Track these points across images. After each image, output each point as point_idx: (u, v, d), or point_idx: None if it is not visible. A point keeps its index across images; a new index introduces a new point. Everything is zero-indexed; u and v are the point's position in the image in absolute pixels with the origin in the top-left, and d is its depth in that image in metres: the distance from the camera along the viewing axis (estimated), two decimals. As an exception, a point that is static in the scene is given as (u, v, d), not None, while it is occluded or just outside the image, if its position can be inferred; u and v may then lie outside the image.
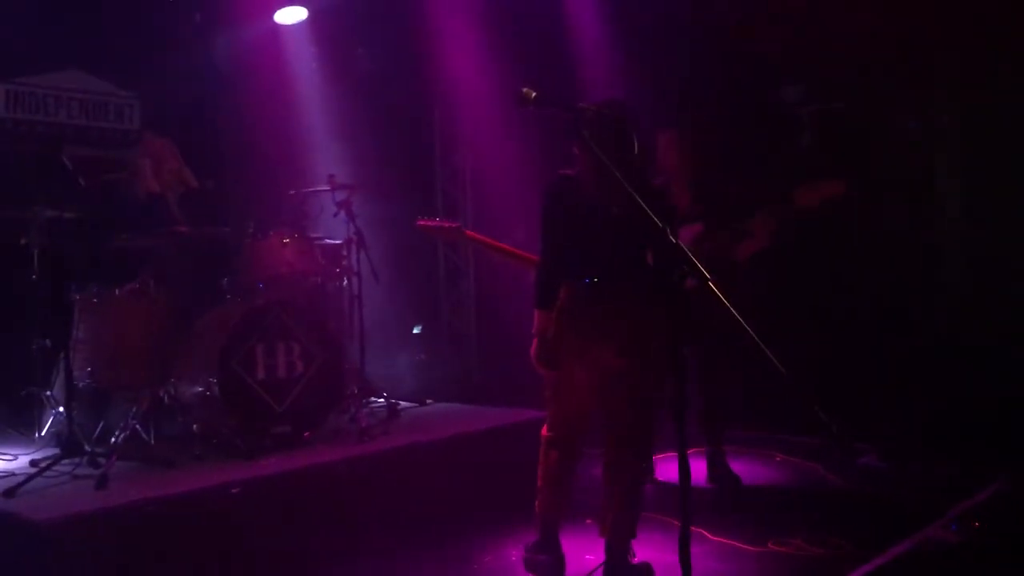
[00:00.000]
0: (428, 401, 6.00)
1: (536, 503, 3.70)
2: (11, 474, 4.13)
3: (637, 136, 2.75)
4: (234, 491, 3.87)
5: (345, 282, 5.84)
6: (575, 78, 6.37)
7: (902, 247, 5.52)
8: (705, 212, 4.64)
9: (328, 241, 5.70)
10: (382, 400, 5.71)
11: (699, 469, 5.18)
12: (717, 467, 4.93)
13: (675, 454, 5.25)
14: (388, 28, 7.29)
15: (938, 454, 5.12)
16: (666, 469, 5.14)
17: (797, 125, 6.27)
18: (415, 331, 7.83)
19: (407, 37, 7.24)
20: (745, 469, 5.25)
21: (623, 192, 2.36)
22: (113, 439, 4.39)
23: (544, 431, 3.69)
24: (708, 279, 2.21)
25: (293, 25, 6.97)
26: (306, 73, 7.15)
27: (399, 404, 5.66)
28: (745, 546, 3.92)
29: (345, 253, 5.78)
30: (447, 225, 4.49)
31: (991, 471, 4.70)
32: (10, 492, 3.78)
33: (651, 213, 2.28)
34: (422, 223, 4.51)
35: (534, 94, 2.51)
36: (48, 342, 4.86)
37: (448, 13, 6.89)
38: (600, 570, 3.50)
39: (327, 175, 5.72)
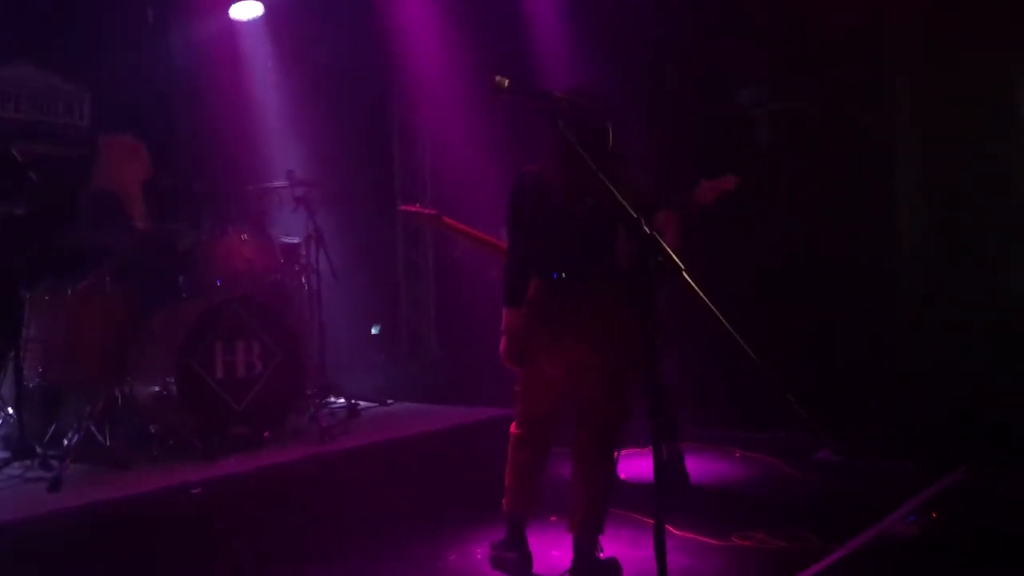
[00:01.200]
0: (389, 401, 5.96)
1: (504, 500, 3.68)
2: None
3: (612, 125, 2.74)
4: (195, 491, 3.80)
5: (303, 280, 5.77)
6: (536, 74, 6.36)
7: (862, 245, 5.60)
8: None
9: (286, 239, 5.62)
10: (342, 400, 5.65)
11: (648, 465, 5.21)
12: (672, 465, 4.97)
13: (637, 451, 5.32)
14: (344, 22, 7.22)
15: (892, 450, 5.21)
16: (629, 466, 5.16)
17: (752, 126, 6.33)
18: (373, 331, 7.77)
19: (363, 32, 7.18)
20: (705, 465, 5.29)
21: (597, 182, 2.35)
22: (66, 441, 4.28)
23: (513, 428, 3.66)
24: (682, 270, 2.21)
25: (249, 21, 6.87)
26: (263, 69, 7.06)
27: (359, 404, 5.61)
28: (709, 540, 3.94)
29: (304, 251, 5.71)
30: (426, 212, 4.56)
31: (944, 466, 4.79)
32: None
33: (625, 204, 2.27)
34: (404, 208, 4.67)
35: (507, 82, 2.49)
36: (-3, 341, 4.72)
37: (406, 6, 6.85)
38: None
39: (285, 171, 5.64)
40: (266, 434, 4.66)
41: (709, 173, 4.63)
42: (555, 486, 4.92)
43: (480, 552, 3.89)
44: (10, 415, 4.59)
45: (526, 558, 3.63)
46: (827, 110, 5.69)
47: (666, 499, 2.78)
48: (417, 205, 4.75)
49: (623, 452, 5.22)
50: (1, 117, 6.02)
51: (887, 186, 5.62)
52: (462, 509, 4.40)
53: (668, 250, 2.24)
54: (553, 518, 4.25)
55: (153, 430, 4.39)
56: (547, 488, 4.89)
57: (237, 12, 6.74)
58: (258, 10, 6.73)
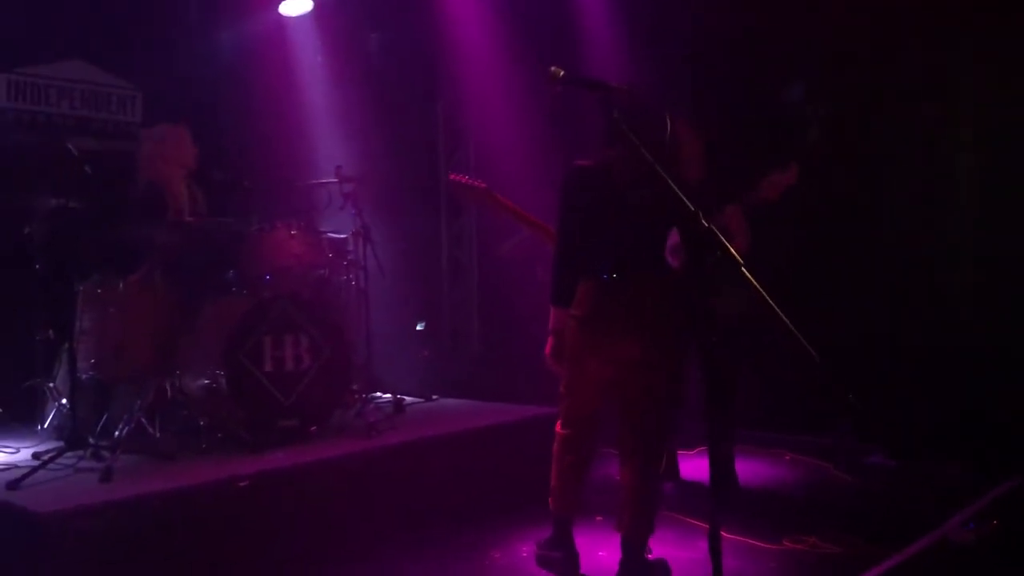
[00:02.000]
0: (434, 397, 5.95)
1: (550, 500, 3.64)
2: (14, 467, 4.06)
3: (670, 118, 2.69)
4: (242, 484, 3.81)
5: (351, 275, 5.78)
6: (583, 69, 6.31)
7: (916, 244, 5.47)
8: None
9: (334, 235, 5.64)
10: (387, 395, 5.65)
11: (702, 468, 5.15)
12: (721, 466, 4.90)
13: (686, 452, 5.26)
14: (392, 19, 7.25)
15: (946, 454, 5.09)
16: (689, 467, 5.11)
17: (804, 123, 6.23)
18: (418, 327, 7.77)
19: (411, 28, 7.19)
20: (755, 468, 5.22)
21: (654, 176, 2.30)
22: (117, 432, 4.32)
23: (558, 427, 3.63)
24: (741, 265, 2.15)
25: (298, 17, 6.91)
26: (311, 65, 7.09)
27: (404, 399, 5.60)
28: (760, 543, 3.89)
29: (351, 246, 5.72)
30: (477, 185, 4.31)
31: (999, 471, 4.68)
32: (13, 484, 3.70)
33: (683, 197, 2.22)
34: (454, 177, 4.41)
35: (562, 72, 2.45)
36: (51, 333, 4.80)
37: (453, 5, 6.84)
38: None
39: (334, 167, 5.66)
40: (313, 428, 4.67)
41: (762, 169, 4.56)
42: (601, 486, 4.90)
43: (526, 550, 3.87)
44: (64, 406, 4.67)
45: (572, 557, 3.60)
46: (882, 108, 5.56)
47: (720, 502, 2.72)
48: (467, 177, 4.47)
49: (687, 453, 5.22)
50: (57, 113, 6.13)
51: (944, 185, 5.49)
52: (506, 507, 4.38)
53: (727, 245, 2.18)
54: (599, 518, 4.22)
55: (202, 423, 4.41)
56: (593, 488, 4.87)
57: (287, 8, 6.78)
58: (307, 6, 6.76)
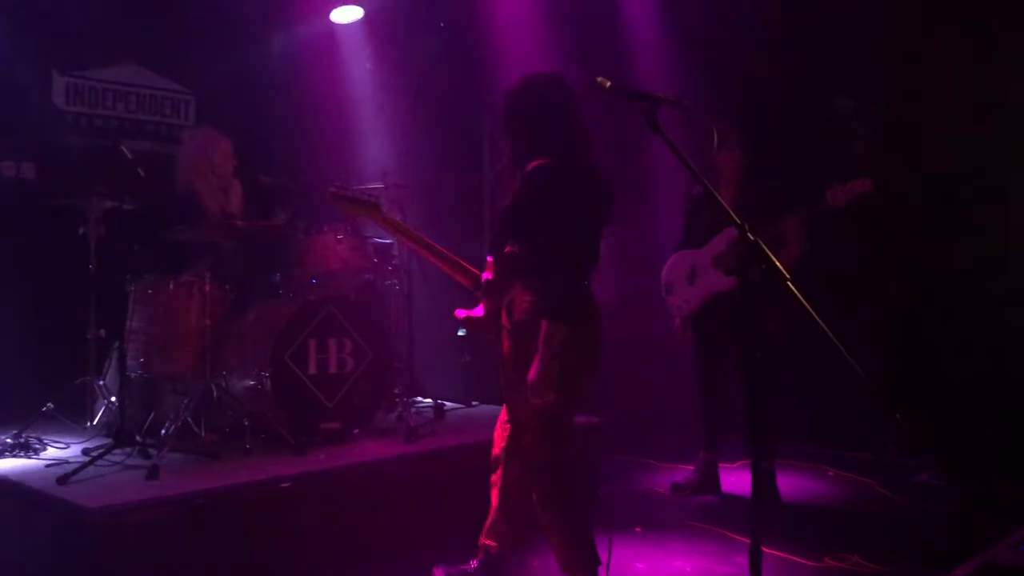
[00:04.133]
0: (474, 403, 5.97)
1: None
2: (64, 462, 4.15)
3: (716, 130, 2.68)
4: (284, 485, 3.85)
5: (395, 280, 5.82)
6: (630, 82, 6.30)
7: (967, 260, 5.37)
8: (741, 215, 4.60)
9: (380, 239, 5.69)
10: (428, 400, 5.68)
11: (744, 481, 5.12)
12: (763, 482, 4.85)
13: (727, 465, 5.21)
14: (441, 29, 7.29)
15: (996, 474, 4.98)
16: (730, 480, 5.08)
17: (852, 134, 6.15)
18: (460, 333, 7.78)
19: (459, 39, 7.22)
20: (798, 483, 5.16)
21: (700, 185, 2.30)
22: (164, 430, 4.39)
23: (543, 454, 3.22)
24: (787, 279, 2.13)
25: (348, 24, 6.99)
26: (360, 72, 7.17)
27: (445, 405, 5.63)
28: (802, 560, 3.84)
29: (396, 251, 5.76)
30: (362, 199, 3.52)
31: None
32: (63, 479, 3.78)
33: (728, 208, 2.21)
34: (336, 191, 3.48)
35: (608, 83, 2.45)
36: (103, 332, 4.90)
37: (501, 15, 6.86)
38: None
39: (381, 173, 5.71)
40: (355, 431, 4.71)
41: (821, 179, 4.50)
42: (640, 497, 4.88)
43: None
44: (113, 403, 4.77)
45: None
46: (932, 120, 5.47)
47: (761, 516, 2.69)
48: (351, 190, 3.61)
49: (731, 466, 5.18)
50: (113, 116, 6.27)
51: (996, 203, 5.37)
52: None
53: (772, 258, 2.16)
54: (639, 529, 4.20)
55: (246, 423, 4.47)
56: (633, 499, 4.86)
57: (338, 15, 6.86)
58: (358, 14, 6.84)
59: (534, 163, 3.04)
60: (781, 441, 4.96)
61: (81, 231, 4.83)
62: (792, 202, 4.58)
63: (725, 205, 2.23)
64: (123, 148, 4.68)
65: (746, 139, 4.82)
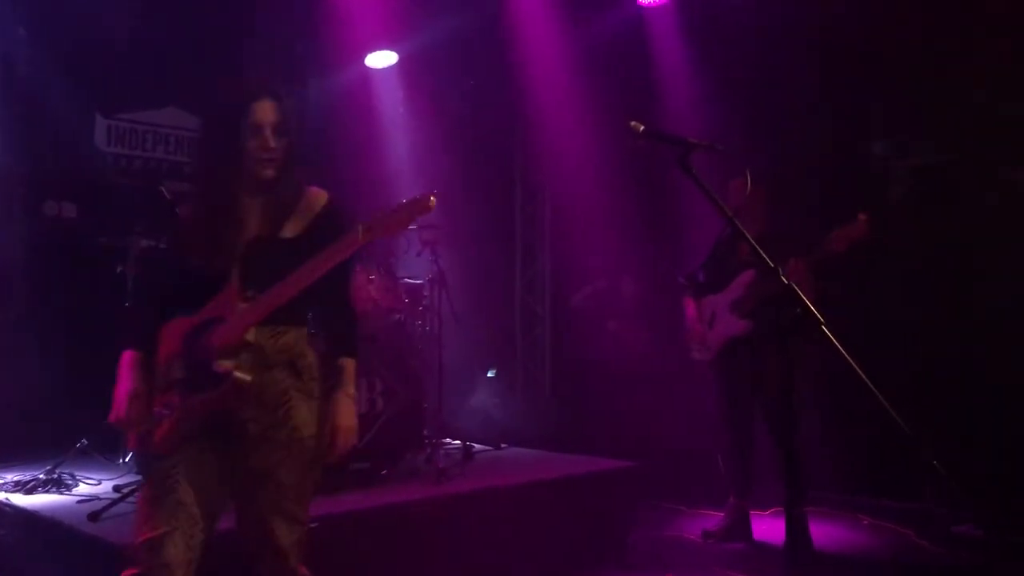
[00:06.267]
0: (503, 445, 5.93)
1: None
2: (95, 498, 4.17)
3: (751, 177, 2.69)
4: (312, 525, 3.83)
5: (422, 321, 5.84)
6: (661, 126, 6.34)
7: (1006, 305, 5.29)
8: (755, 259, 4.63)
9: (411, 280, 5.72)
10: (457, 441, 5.66)
11: (776, 529, 5.03)
12: (795, 529, 4.77)
13: (769, 512, 5.13)
14: (474, 74, 7.40)
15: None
16: (762, 528, 5.00)
17: (885, 180, 6.13)
18: (489, 375, 7.79)
19: (492, 83, 7.33)
20: (831, 532, 5.07)
21: (732, 228, 2.30)
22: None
23: None
24: (822, 323, 2.12)
25: (383, 69, 7.11)
26: (393, 115, 7.27)
27: (474, 447, 5.60)
28: (838, 611, 3.76)
29: (427, 292, 5.79)
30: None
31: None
32: (94, 516, 3.80)
33: (761, 252, 2.21)
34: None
35: (642, 127, 2.46)
36: (137, 369, 4.93)
37: (535, 61, 6.95)
38: None
39: (414, 215, 5.74)
40: (384, 471, 4.70)
41: (834, 222, 4.49)
42: (674, 543, 4.81)
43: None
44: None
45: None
46: (970, 165, 5.43)
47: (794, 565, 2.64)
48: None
49: (763, 512, 5.11)
50: (152, 157, 6.40)
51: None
52: (573, 562, 4.33)
53: (807, 301, 2.16)
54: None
55: (276, 462, 4.46)
56: (666, 544, 4.78)
57: (373, 61, 6.99)
58: (392, 59, 6.96)
59: None
60: (812, 488, 4.88)
61: (119, 269, 4.91)
62: (798, 249, 4.57)
63: (759, 250, 2.22)
64: (162, 189, 4.75)
65: (769, 185, 4.81)
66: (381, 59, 6.98)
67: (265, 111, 2.55)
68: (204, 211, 2.55)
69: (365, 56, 6.95)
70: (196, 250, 2.51)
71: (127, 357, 2.63)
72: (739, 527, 4.93)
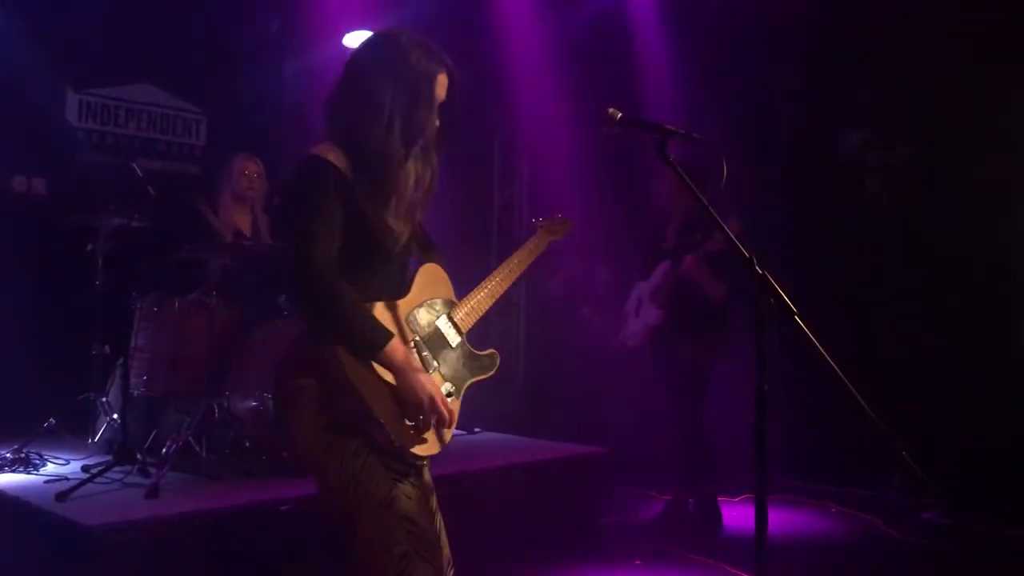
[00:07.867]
0: (476, 430, 5.94)
1: None
2: (63, 478, 4.12)
3: (727, 165, 2.69)
4: (283, 508, 3.83)
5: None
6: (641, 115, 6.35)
7: (976, 297, 5.36)
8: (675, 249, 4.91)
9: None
10: (431, 426, 5.66)
11: (746, 515, 5.07)
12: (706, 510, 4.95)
13: (726, 499, 5.17)
14: (453, 58, 7.34)
15: (1003, 514, 4.94)
16: (730, 514, 5.04)
17: (861, 171, 6.17)
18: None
19: (470, 71, 7.26)
20: (800, 519, 5.12)
21: (708, 217, 2.30)
22: (165, 449, 4.37)
23: None
24: (795, 313, 2.13)
25: (361, 50, 7.03)
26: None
27: (447, 431, 5.60)
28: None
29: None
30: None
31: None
32: (62, 496, 3.76)
33: (737, 243, 2.21)
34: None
35: (619, 115, 2.45)
36: (107, 348, 4.89)
37: (513, 50, 6.92)
38: None
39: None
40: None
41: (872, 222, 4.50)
42: (640, 530, 4.85)
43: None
44: (115, 421, 4.75)
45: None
46: (944, 156, 5.49)
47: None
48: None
49: (734, 500, 5.16)
50: (124, 134, 6.31)
51: (1007, 238, 5.38)
52: (543, 543, 4.35)
53: (781, 292, 2.16)
54: (638, 562, 4.17)
55: (248, 444, 4.45)
56: (633, 532, 4.82)
57: (350, 41, 6.91)
58: (370, 40, 6.88)
59: None
60: (775, 475, 4.93)
61: (89, 247, 4.84)
62: (697, 243, 4.74)
63: (735, 240, 2.23)
64: (135, 166, 4.68)
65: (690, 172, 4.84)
66: (359, 39, 6.89)
67: (442, 87, 2.38)
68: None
69: (343, 36, 6.87)
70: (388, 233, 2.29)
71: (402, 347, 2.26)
72: (709, 513, 4.96)
